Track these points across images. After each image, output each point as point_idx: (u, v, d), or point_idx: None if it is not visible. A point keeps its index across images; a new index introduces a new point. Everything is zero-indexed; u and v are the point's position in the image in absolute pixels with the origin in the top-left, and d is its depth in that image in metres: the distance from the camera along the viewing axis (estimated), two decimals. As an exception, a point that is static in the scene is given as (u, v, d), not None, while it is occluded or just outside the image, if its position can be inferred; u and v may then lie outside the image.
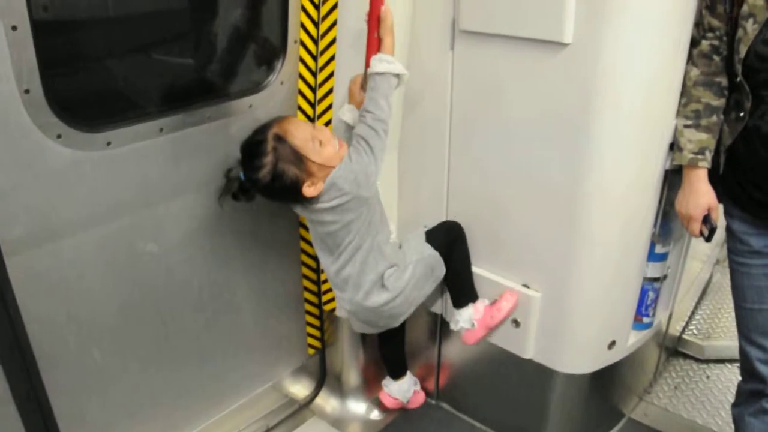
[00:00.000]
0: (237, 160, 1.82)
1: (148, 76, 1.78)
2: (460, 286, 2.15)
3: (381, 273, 1.95)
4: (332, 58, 1.91)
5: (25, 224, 1.49)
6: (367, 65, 1.80)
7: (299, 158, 1.75)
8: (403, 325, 2.19)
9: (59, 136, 1.48)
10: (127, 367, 1.85)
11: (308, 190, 1.77)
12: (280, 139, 1.75)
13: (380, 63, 1.77)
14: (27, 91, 1.38)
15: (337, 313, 2.30)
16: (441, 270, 2.07)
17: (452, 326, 2.18)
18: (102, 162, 1.59)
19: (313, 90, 1.97)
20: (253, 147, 1.77)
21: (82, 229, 1.60)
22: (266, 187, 1.79)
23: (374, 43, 1.79)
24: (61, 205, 1.55)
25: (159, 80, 1.80)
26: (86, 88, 1.62)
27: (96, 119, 1.57)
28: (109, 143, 1.58)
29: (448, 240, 2.09)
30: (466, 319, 2.11)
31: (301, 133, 1.77)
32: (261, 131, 1.78)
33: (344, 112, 1.95)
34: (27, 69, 1.36)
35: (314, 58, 1.93)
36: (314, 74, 1.95)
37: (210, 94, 1.88)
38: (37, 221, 1.52)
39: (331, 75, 1.93)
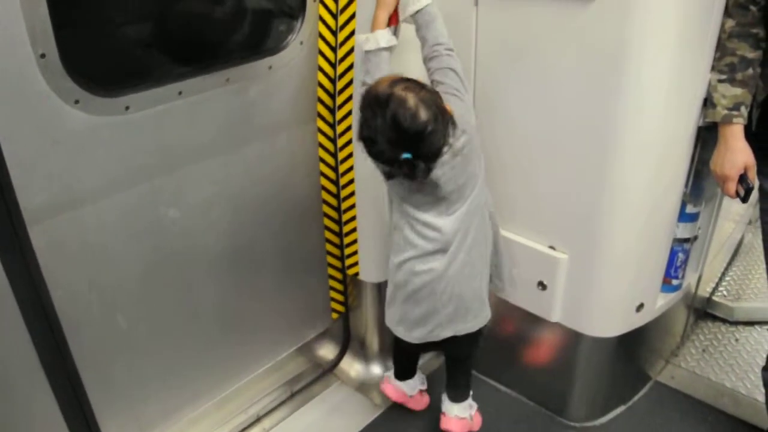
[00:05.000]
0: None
1: (167, 38, 1.74)
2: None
3: None
4: (353, 16, 1.85)
5: (45, 192, 1.48)
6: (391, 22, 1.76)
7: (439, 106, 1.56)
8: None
9: (77, 102, 1.45)
10: (152, 333, 1.86)
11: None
12: (423, 88, 1.56)
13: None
14: (43, 56, 1.35)
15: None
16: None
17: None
18: (121, 127, 1.56)
19: (334, 50, 1.92)
20: (411, 124, 1.49)
21: (102, 196, 1.59)
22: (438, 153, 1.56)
23: None
24: (81, 171, 1.53)
25: (177, 42, 1.75)
26: (103, 51, 1.58)
27: (114, 83, 1.54)
28: (127, 108, 1.56)
29: None
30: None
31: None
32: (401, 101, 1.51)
33: (386, 38, 1.74)
34: (42, 32, 1.33)
35: (334, 16, 1.87)
36: (334, 33, 1.90)
37: (229, 55, 1.84)
38: (57, 188, 1.50)
39: (352, 34, 1.87)
